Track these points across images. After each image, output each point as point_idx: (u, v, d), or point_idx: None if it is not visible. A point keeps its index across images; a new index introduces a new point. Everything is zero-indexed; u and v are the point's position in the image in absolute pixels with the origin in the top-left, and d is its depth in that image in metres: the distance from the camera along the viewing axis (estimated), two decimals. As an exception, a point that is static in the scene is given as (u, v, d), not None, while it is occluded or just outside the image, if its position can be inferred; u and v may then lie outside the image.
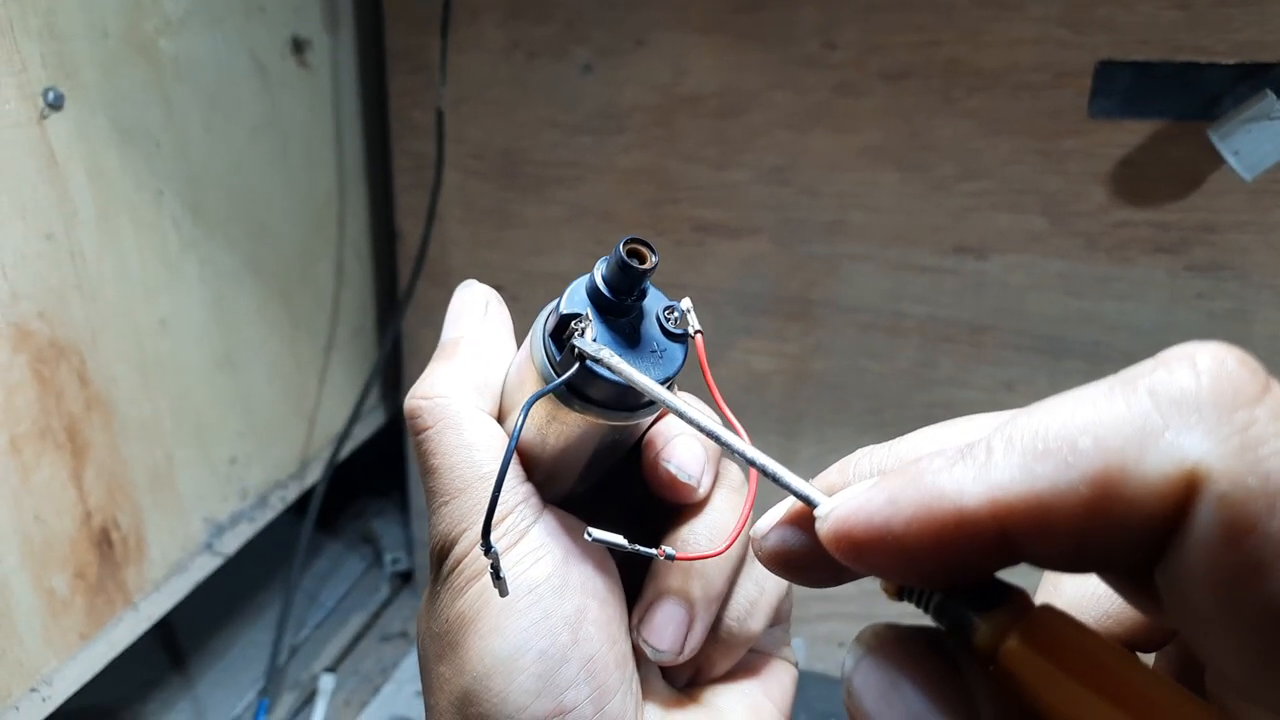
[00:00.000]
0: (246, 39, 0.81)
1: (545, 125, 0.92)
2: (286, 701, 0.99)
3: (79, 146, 0.65)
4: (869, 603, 0.95)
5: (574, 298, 0.29)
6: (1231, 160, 0.71)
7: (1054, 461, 0.17)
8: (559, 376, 0.29)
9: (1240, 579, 0.16)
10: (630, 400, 0.29)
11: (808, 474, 0.24)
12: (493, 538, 0.27)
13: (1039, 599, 0.24)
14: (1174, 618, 0.18)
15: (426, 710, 0.32)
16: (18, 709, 0.65)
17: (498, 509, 0.29)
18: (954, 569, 0.19)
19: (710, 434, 0.26)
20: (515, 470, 0.32)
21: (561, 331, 0.29)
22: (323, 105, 0.94)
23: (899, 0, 0.78)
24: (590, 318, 0.28)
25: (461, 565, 0.31)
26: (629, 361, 0.28)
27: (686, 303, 0.30)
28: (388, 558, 1.20)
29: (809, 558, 0.23)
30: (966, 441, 0.19)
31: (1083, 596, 0.24)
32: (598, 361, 0.28)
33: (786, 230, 0.88)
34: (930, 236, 0.84)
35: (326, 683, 1.00)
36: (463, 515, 0.31)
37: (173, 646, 0.99)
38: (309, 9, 0.89)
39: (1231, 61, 0.72)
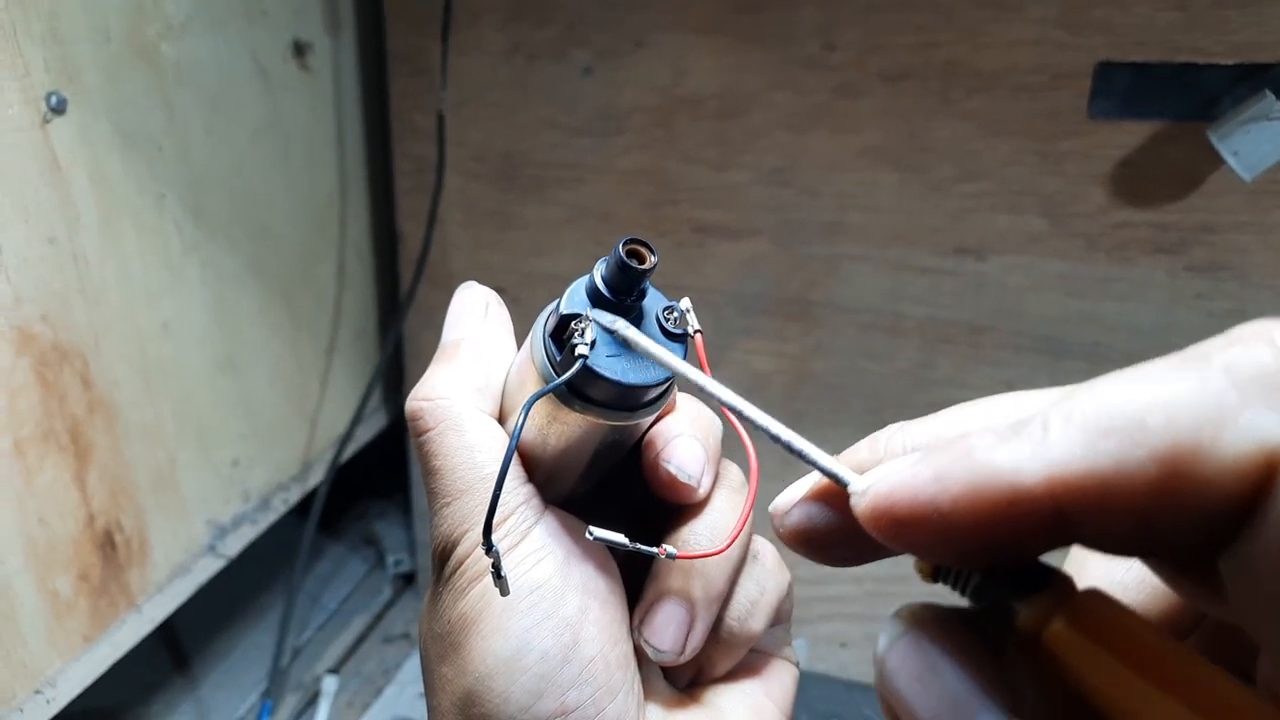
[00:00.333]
0: (248, 42, 0.81)
1: (545, 127, 0.92)
2: (289, 703, 0.99)
3: (81, 150, 0.65)
4: (871, 603, 0.95)
5: (574, 298, 0.29)
6: (1231, 161, 0.71)
7: (1120, 439, 0.16)
8: (559, 377, 0.29)
9: None
10: (631, 400, 0.29)
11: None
12: (494, 538, 0.27)
13: None
14: (1240, 605, 0.17)
15: (429, 711, 0.32)
16: (22, 711, 0.65)
17: (499, 510, 0.29)
18: (1000, 549, 0.18)
19: (732, 408, 0.25)
20: (516, 471, 0.32)
21: (561, 332, 0.29)
22: (324, 108, 0.94)
23: (899, 1, 0.79)
24: (590, 318, 0.29)
25: (463, 566, 0.31)
26: (629, 361, 0.28)
27: (686, 303, 0.30)
28: (390, 559, 1.20)
29: (833, 535, 0.23)
30: (1014, 419, 0.18)
31: (1110, 584, 0.23)
32: (612, 333, 0.28)
33: (786, 231, 0.88)
34: (930, 237, 0.84)
35: (329, 684, 1.00)
36: (464, 516, 0.31)
37: (176, 648, 0.99)
38: (310, 12, 0.90)
39: (1230, 62, 0.72)
